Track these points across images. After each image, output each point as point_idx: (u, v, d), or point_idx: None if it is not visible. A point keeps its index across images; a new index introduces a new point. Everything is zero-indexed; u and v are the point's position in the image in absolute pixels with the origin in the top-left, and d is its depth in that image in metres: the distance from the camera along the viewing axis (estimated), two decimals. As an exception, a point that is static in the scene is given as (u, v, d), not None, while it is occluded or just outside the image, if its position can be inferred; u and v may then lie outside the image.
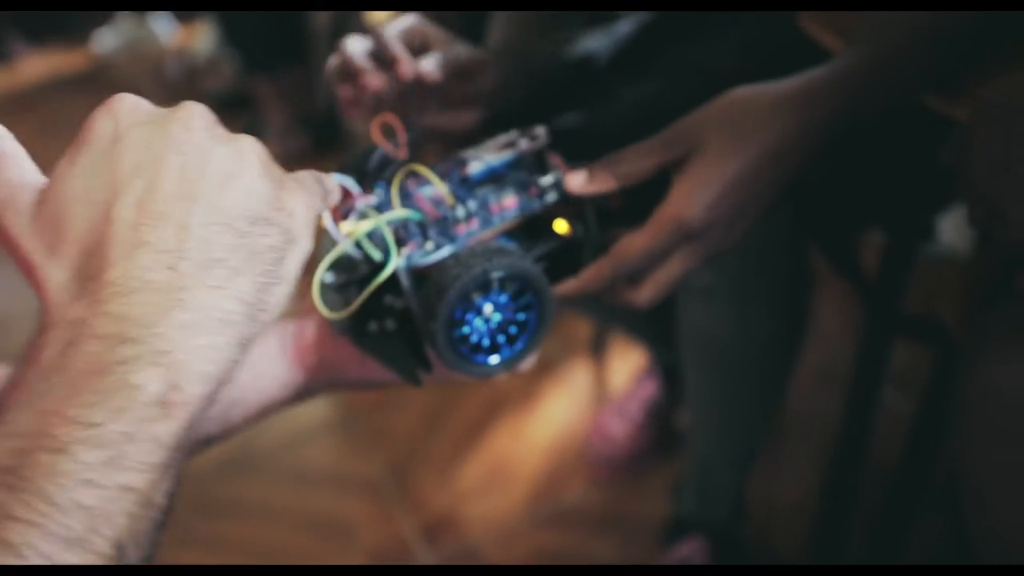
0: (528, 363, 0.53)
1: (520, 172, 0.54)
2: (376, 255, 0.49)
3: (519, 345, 0.49)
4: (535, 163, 0.55)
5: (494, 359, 0.49)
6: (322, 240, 0.50)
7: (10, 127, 0.34)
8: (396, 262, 0.48)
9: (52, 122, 2.37)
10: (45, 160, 0.34)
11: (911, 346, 0.98)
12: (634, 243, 0.53)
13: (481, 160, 0.53)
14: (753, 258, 0.82)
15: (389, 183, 0.52)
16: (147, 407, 0.29)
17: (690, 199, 0.52)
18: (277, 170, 0.36)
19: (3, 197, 0.33)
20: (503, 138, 0.56)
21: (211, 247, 0.32)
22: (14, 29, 3.25)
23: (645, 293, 0.55)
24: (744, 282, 0.85)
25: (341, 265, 0.53)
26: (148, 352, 0.29)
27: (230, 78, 2.59)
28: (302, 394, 0.57)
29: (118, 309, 0.30)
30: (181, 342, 0.30)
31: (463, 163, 0.53)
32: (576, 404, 1.41)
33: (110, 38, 3.14)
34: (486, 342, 0.48)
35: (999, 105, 0.52)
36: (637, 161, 0.54)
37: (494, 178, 0.54)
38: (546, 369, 1.47)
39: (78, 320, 0.30)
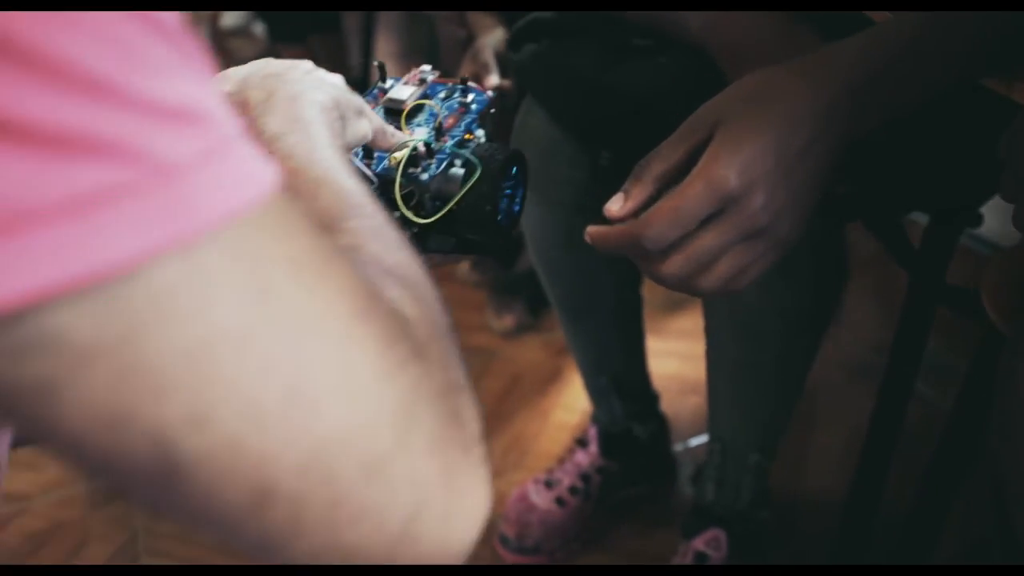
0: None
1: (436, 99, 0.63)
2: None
3: (515, 208, 0.58)
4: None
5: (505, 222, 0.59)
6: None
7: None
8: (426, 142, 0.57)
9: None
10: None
11: (947, 339, 0.95)
12: (661, 207, 0.51)
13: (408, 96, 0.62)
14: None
15: None
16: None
17: (720, 160, 0.50)
18: None
19: None
20: (405, 78, 0.64)
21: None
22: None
23: (672, 265, 0.52)
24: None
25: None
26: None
27: (262, 44, 2.57)
28: None
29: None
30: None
31: (396, 102, 0.62)
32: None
33: (142, 2, 3.14)
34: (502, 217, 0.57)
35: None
36: (668, 156, 0.54)
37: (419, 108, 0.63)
38: (568, 348, 1.45)
39: None
